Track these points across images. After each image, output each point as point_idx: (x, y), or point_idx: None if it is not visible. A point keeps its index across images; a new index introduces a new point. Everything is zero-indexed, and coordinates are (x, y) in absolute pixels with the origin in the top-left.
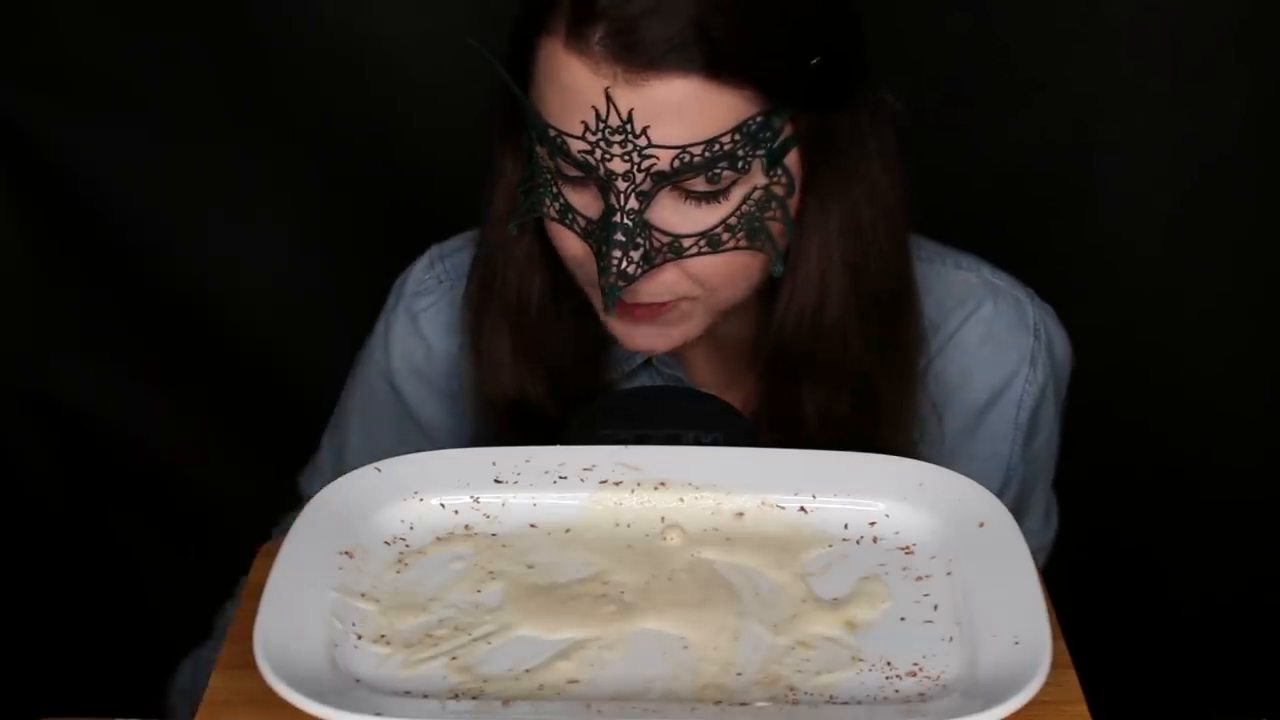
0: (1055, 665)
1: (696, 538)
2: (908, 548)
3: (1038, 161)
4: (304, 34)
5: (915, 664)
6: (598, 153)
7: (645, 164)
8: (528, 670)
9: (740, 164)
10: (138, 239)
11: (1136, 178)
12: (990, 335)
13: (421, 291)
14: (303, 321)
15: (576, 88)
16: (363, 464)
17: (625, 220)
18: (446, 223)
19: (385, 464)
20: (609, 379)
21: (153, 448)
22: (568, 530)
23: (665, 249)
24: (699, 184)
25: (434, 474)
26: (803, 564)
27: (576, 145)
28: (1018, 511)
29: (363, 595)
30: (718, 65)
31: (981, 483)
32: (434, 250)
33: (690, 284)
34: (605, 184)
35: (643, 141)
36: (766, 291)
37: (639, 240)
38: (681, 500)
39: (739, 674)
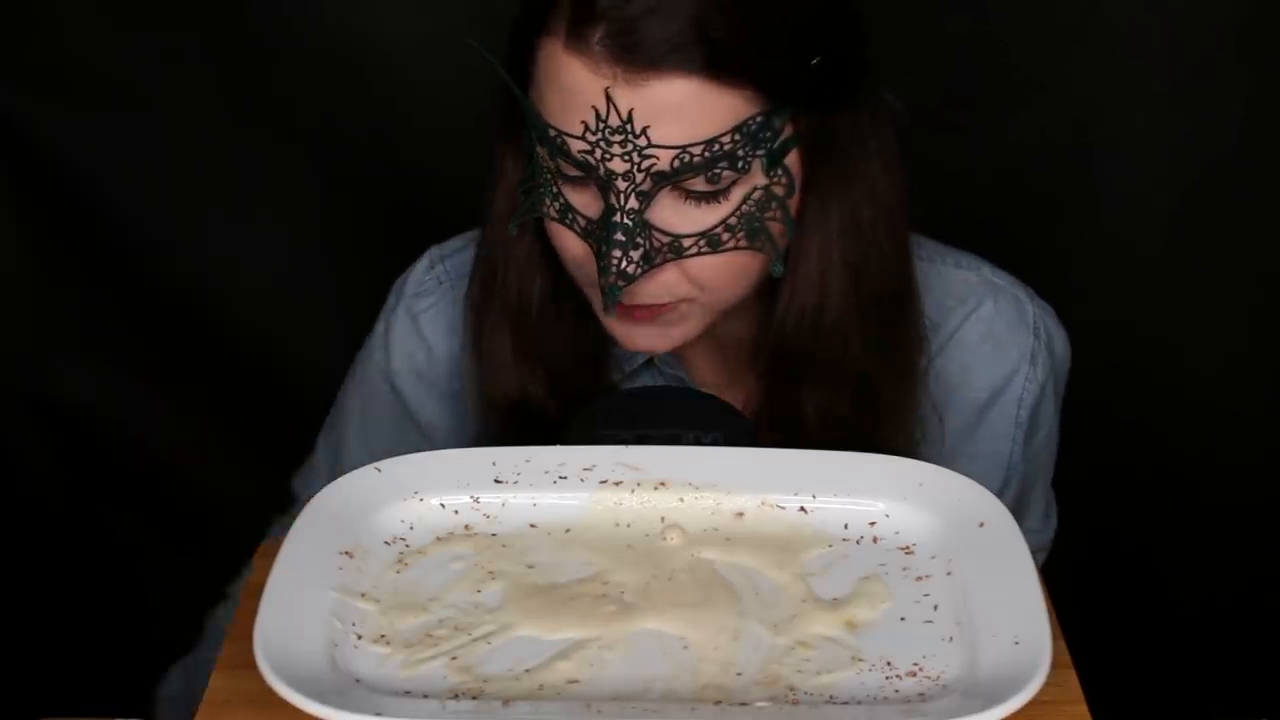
0: (1055, 665)
1: (696, 538)
2: (908, 548)
3: (1038, 161)
4: (304, 34)
5: (915, 664)
6: (598, 153)
7: (645, 164)
8: (528, 670)
9: (740, 164)
10: (138, 239)
11: (1136, 178)
12: (990, 334)
13: (422, 292)
14: (303, 321)
15: (576, 88)
16: (361, 464)
17: (625, 220)
18: (446, 223)
19: (385, 464)
20: (610, 379)
21: (153, 448)
22: (568, 530)
23: (665, 249)
24: (699, 184)
25: (434, 474)
26: (803, 564)
27: (576, 145)
28: (1017, 510)
29: (363, 595)
30: (718, 65)
31: (982, 481)
32: (434, 251)
33: (690, 285)
34: (605, 184)
35: (643, 141)
36: (767, 291)
37: (639, 240)
38: (681, 500)
39: (739, 674)
